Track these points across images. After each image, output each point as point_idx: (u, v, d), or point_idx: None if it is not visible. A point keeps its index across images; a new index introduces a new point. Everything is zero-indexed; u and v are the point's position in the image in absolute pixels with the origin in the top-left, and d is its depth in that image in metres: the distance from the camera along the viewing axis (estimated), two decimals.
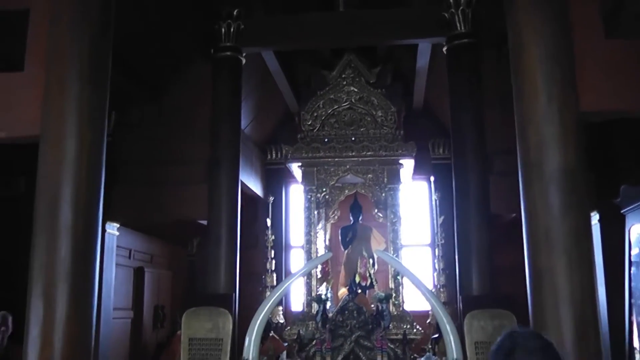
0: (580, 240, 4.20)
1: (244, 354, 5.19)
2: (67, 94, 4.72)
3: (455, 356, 4.91)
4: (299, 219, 10.41)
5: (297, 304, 9.39)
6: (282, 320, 8.39)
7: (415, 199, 10.27)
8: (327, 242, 8.32)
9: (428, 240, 10.37)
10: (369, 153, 7.87)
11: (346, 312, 7.05)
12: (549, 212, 4.23)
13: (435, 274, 7.87)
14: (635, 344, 5.08)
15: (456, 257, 7.38)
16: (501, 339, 2.06)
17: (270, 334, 7.55)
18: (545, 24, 4.42)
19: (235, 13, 7.66)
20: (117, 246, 8.14)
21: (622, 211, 5.48)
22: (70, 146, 4.67)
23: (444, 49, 7.44)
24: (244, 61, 7.82)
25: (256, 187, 9.75)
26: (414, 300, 8.71)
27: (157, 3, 7.27)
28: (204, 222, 8.58)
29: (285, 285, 6.03)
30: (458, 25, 7.26)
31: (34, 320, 4.51)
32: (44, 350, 4.41)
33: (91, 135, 4.77)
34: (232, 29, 7.66)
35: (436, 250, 7.88)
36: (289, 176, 9.92)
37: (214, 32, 7.70)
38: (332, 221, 8.41)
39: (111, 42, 5.02)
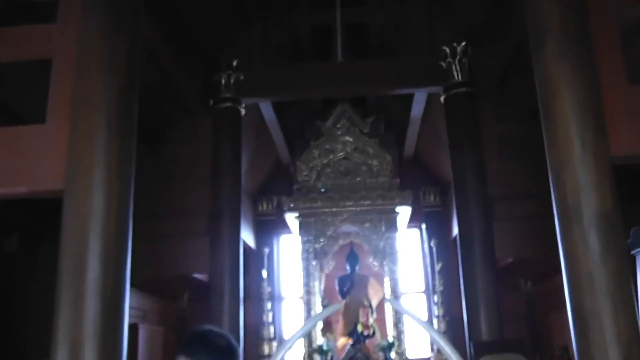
0: (622, 282, 4.24)
1: None
2: (95, 145, 4.53)
3: None
4: (291, 271, 10.29)
5: (291, 356, 9.13)
6: None
7: (407, 247, 10.26)
8: (322, 293, 8.21)
9: (422, 287, 10.34)
10: (367, 202, 7.91)
11: None
12: (590, 256, 4.23)
13: (435, 320, 7.87)
14: None
15: (462, 303, 7.38)
16: None
17: None
18: (574, 72, 4.53)
19: (235, 64, 7.64)
20: None
21: (632, 252, 5.58)
22: (98, 199, 4.46)
23: (442, 97, 7.57)
24: (243, 112, 7.75)
25: (249, 238, 9.58)
26: (415, 348, 8.62)
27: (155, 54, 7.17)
28: (197, 276, 8.37)
29: (298, 336, 5.88)
30: (455, 74, 7.42)
31: None
32: None
33: (120, 186, 4.60)
34: (231, 80, 7.62)
35: (435, 297, 7.89)
36: (279, 227, 9.79)
37: (213, 82, 7.65)
38: (326, 271, 8.32)
39: (138, 90, 4.90)
